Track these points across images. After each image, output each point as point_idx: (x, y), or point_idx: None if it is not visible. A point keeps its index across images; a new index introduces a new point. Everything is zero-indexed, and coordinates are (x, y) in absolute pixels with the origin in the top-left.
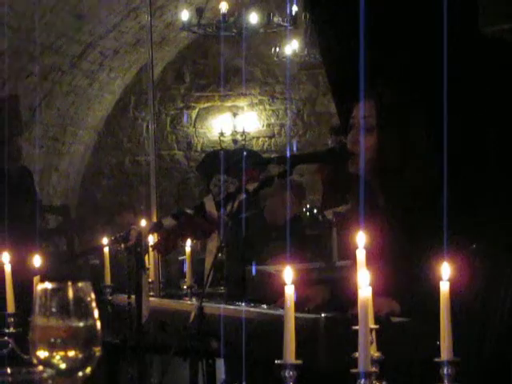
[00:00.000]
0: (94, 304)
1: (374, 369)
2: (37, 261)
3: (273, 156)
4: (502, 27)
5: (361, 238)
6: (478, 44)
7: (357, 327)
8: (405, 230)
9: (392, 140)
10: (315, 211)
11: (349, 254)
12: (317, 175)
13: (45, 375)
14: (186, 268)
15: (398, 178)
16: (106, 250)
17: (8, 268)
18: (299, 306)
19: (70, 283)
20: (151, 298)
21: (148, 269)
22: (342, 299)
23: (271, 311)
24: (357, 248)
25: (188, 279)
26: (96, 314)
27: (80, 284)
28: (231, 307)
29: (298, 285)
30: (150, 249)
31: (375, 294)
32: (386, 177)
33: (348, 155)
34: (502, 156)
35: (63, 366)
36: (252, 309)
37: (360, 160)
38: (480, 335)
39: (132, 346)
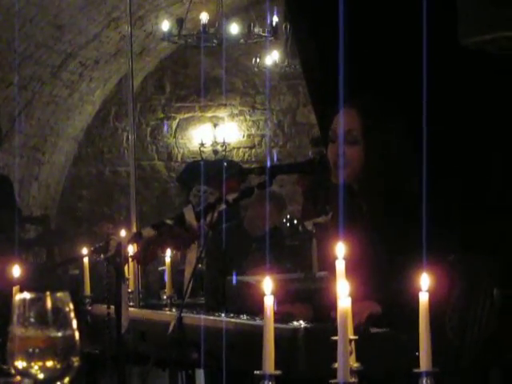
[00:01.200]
0: (72, 314)
1: (353, 379)
2: (16, 271)
3: (253, 166)
4: (483, 38)
5: (340, 249)
6: (458, 55)
7: (336, 337)
8: (386, 239)
9: (376, 151)
10: (295, 222)
11: (328, 265)
12: (297, 186)
13: None
14: (166, 278)
15: (380, 187)
16: (86, 260)
17: None
18: (282, 323)
19: (48, 293)
20: (131, 309)
21: (127, 279)
22: (322, 310)
23: (250, 321)
24: (336, 258)
25: (168, 289)
26: (74, 324)
27: (58, 294)
28: (211, 318)
29: (280, 301)
30: (130, 259)
31: (354, 300)
32: (367, 186)
33: (328, 166)
34: (482, 165)
35: (41, 376)
36: (231, 319)
37: (340, 172)
38: (458, 345)
39: (111, 357)
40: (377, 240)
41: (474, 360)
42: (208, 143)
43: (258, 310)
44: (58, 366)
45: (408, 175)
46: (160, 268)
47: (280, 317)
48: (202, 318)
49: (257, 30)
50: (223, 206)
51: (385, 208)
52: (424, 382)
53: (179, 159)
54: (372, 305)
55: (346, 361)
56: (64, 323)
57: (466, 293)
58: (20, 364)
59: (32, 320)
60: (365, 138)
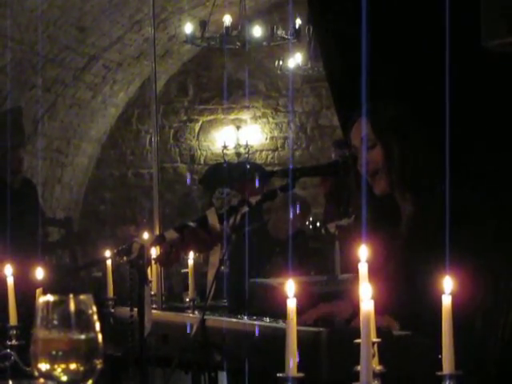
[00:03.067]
0: (95, 317)
1: (375, 382)
2: (39, 273)
3: (276, 169)
4: (505, 40)
5: (363, 252)
6: (480, 57)
7: (359, 340)
8: (426, 245)
9: (394, 150)
10: (318, 224)
11: (351, 268)
12: (320, 188)
13: None
14: (189, 281)
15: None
16: (109, 262)
17: (10, 280)
18: (325, 320)
19: (71, 296)
20: (153, 311)
21: (150, 281)
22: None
23: (273, 324)
24: (360, 261)
25: (190, 292)
26: (97, 326)
27: (82, 297)
28: (233, 320)
29: (307, 304)
30: (153, 261)
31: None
32: (414, 193)
33: (350, 168)
34: (503, 168)
35: (64, 378)
36: (254, 322)
37: (363, 175)
38: (482, 349)
39: (134, 359)
40: (418, 245)
41: (499, 362)
42: (231, 146)
43: (280, 312)
44: (81, 369)
45: (431, 177)
46: (183, 270)
47: (320, 318)
48: (225, 321)
49: (280, 32)
50: (246, 209)
51: (425, 213)
52: None
53: (202, 162)
54: (389, 320)
55: (369, 363)
56: (87, 325)
57: (491, 294)
58: (43, 366)
59: (55, 322)
60: (379, 138)
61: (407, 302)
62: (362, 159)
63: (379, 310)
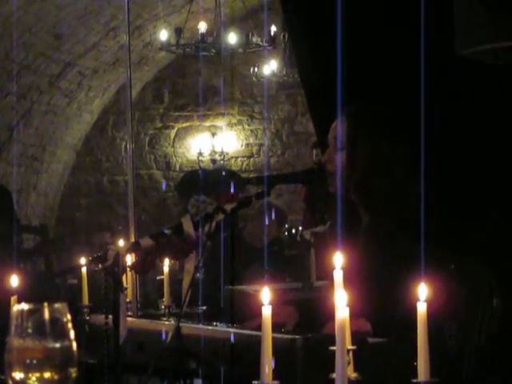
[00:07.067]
0: (70, 325)
1: None
2: (14, 281)
3: (251, 176)
4: (480, 48)
5: (338, 259)
6: (455, 66)
7: (334, 348)
8: (384, 250)
9: (363, 158)
10: (293, 231)
11: (326, 275)
12: (297, 195)
13: None
14: (164, 288)
15: (374, 198)
16: (84, 269)
17: None
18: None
19: (46, 304)
20: (129, 318)
21: (125, 289)
22: (315, 319)
23: (249, 331)
24: (334, 268)
25: (166, 299)
26: (72, 335)
27: (56, 305)
28: (209, 327)
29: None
30: (128, 269)
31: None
32: (363, 196)
33: (325, 175)
34: (481, 177)
35: None
36: (230, 329)
37: (337, 179)
38: (457, 355)
39: (109, 367)
40: (375, 251)
41: (473, 369)
42: (206, 152)
43: (248, 320)
44: (56, 377)
45: (404, 185)
46: (158, 277)
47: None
48: (200, 328)
49: (255, 39)
50: (221, 216)
51: (381, 218)
52: None
53: (177, 168)
54: (362, 323)
55: (344, 371)
56: (62, 334)
57: (466, 302)
58: (17, 375)
59: (30, 331)
60: (349, 144)
61: (379, 307)
62: (324, 157)
63: (353, 314)
